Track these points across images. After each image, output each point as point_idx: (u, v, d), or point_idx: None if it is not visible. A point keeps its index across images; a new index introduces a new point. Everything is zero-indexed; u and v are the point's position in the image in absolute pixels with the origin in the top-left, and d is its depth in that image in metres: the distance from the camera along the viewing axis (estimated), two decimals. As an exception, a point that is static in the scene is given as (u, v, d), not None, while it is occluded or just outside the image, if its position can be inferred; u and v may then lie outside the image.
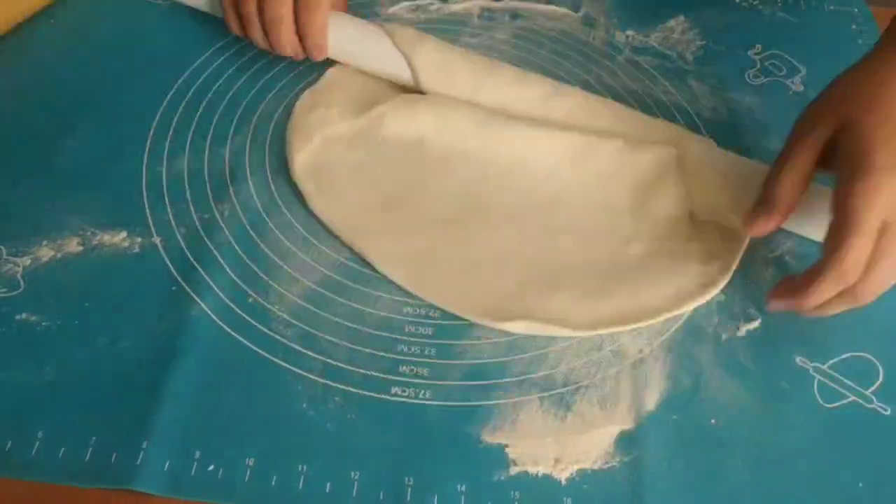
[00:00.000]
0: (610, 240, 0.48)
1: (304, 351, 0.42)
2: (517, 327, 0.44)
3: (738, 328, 0.45)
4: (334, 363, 0.42)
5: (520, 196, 0.50)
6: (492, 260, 0.47)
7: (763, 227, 0.44)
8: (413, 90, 0.54)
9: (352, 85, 0.55)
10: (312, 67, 0.56)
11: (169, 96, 0.54)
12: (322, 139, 0.51)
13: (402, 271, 0.46)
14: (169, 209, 0.48)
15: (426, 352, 0.43)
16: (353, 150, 0.52)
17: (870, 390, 0.43)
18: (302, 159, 0.50)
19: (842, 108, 0.42)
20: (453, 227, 0.48)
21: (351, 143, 0.52)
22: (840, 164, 0.41)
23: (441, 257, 0.47)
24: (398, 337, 0.44)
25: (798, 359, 0.44)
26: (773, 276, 0.47)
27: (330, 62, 0.55)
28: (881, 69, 0.43)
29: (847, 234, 0.39)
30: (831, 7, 0.65)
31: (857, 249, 0.39)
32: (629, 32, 0.62)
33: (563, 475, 0.39)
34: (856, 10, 0.65)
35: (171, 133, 0.52)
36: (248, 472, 0.38)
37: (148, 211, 0.48)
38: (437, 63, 0.53)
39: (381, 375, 0.42)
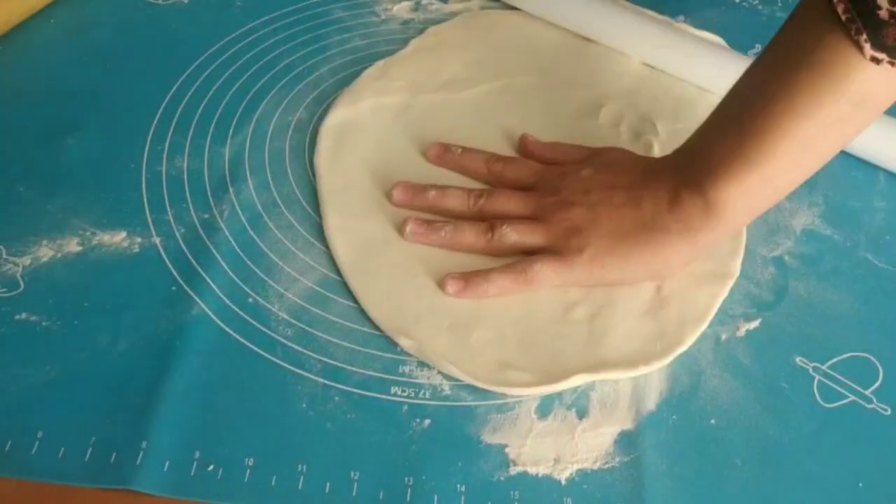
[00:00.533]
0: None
1: (304, 351, 0.42)
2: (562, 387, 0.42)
3: (737, 328, 0.45)
4: (334, 363, 0.42)
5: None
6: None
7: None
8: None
9: (427, 62, 0.56)
10: (312, 67, 0.57)
11: (169, 96, 0.54)
12: (372, 105, 0.53)
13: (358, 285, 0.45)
14: (169, 209, 0.48)
15: (426, 352, 0.43)
16: (392, 124, 0.52)
17: (870, 390, 0.43)
18: (339, 115, 0.52)
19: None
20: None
21: (395, 117, 0.53)
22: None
23: (412, 290, 0.45)
24: (398, 337, 0.44)
25: (798, 359, 0.44)
26: (773, 275, 0.47)
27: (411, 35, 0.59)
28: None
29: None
30: (831, 7, 0.65)
31: None
32: (629, 32, 0.62)
33: (563, 475, 0.39)
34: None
35: (170, 133, 0.52)
36: (248, 472, 0.38)
37: (148, 211, 0.48)
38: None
39: (381, 375, 0.42)
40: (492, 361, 0.42)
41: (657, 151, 0.52)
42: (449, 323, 0.43)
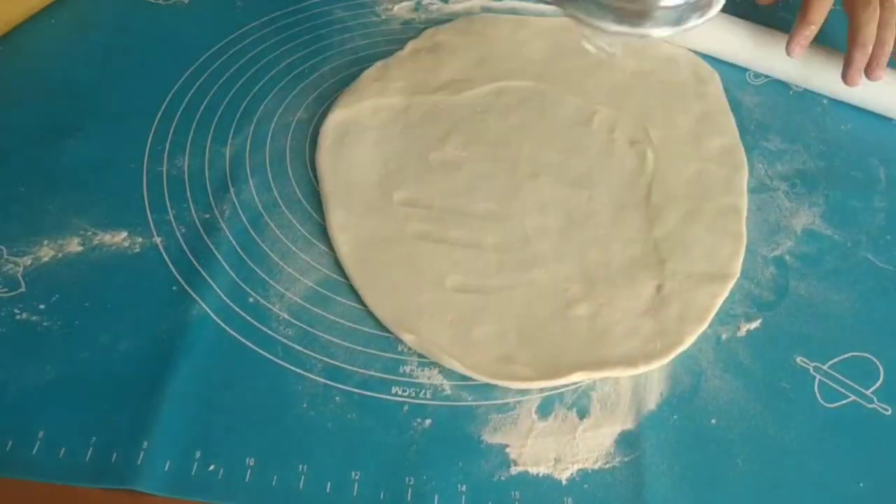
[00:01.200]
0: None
1: (304, 351, 0.43)
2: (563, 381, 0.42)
3: (738, 328, 0.45)
4: (334, 363, 0.42)
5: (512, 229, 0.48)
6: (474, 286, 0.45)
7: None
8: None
9: (425, 64, 0.57)
10: (313, 67, 0.57)
11: (169, 96, 0.54)
12: (372, 105, 0.53)
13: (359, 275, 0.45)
14: (169, 209, 0.48)
15: (426, 352, 0.43)
16: (391, 125, 0.53)
17: (870, 390, 0.43)
18: (340, 115, 0.52)
19: None
20: (435, 227, 0.48)
21: (395, 117, 0.53)
22: None
23: (410, 271, 0.46)
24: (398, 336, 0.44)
25: (798, 359, 0.44)
26: (773, 275, 0.47)
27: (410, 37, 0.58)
28: None
29: None
30: (832, 7, 0.65)
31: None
32: (629, 32, 0.62)
33: (563, 475, 0.39)
34: (856, 9, 0.65)
35: (171, 133, 0.52)
36: (249, 472, 0.38)
37: (148, 211, 0.48)
38: None
39: (381, 375, 0.42)
40: (493, 356, 0.42)
41: (651, 159, 0.52)
42: (451, 318, 0.44)
